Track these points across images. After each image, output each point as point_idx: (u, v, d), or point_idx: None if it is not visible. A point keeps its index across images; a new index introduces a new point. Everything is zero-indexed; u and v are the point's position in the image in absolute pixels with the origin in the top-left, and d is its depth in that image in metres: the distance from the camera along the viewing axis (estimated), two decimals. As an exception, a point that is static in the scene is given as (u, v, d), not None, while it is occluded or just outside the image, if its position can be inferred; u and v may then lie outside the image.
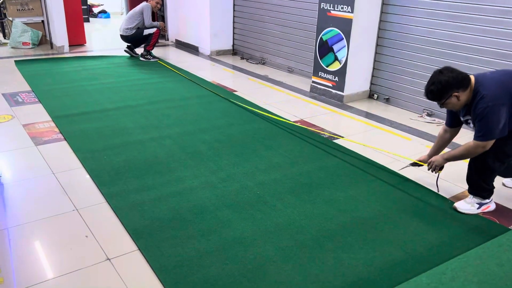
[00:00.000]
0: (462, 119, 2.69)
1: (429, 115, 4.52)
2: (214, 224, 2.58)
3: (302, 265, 2.25)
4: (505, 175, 3.03)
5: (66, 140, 3.71)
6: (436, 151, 2.98)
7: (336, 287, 2.10)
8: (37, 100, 4.73)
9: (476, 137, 2.52)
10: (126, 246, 2.38)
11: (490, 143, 2.49)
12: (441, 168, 2.84)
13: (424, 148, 3.79)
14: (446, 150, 2.99)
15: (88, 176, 3.12)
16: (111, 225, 2.57)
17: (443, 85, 2.47)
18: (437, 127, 4.23)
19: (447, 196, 2.97)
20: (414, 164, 3.12)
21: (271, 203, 2.83)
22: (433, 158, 2.84)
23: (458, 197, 2.94)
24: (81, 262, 2.24)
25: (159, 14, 8.61)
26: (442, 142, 2.94)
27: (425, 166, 2.98)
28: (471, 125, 2.62)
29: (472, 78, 2.52)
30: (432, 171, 2.85)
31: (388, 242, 2.46)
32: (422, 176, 3.20)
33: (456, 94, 2.48)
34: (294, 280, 2.14)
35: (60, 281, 2.10)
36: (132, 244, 2.40)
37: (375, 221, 2.65)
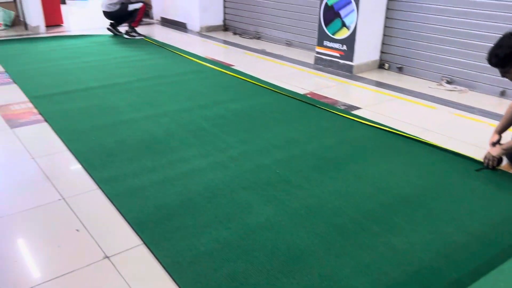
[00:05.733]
0: None
1: (449, 82, 4.12)
2: (232, 209, 2.15)
3: (347, 254, 1.83)
4: None
5: (46, 121, 3.20)
6: (504, 126, 2.59)
7: (396, 280, 1.69)
8: (10, 80, 4.17)
9: None
10: (127, 241, 1.92)
11: None
12: (499, 161, 2.44)
13: (452, 116, 3.39)
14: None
15: (74, 159, 2.64)
16: (106, 216, 2.11)
17: None
18: (459, 95, 3.84)
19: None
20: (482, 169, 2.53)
21: (295, 183, 2.40)
22: (490, 150, 2.44)
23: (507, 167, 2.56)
24: (73, 262, 1.78)
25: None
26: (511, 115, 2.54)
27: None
28: None
29: None
30: (491, 167, 2.44)
31: (442, 221, 2.06)
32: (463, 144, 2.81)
33: None
34: (342, 273, 1.72)
35: (48, 287, 1.65)
36: (135, 237, 1.94)
37: (421, 198, 2.25)
